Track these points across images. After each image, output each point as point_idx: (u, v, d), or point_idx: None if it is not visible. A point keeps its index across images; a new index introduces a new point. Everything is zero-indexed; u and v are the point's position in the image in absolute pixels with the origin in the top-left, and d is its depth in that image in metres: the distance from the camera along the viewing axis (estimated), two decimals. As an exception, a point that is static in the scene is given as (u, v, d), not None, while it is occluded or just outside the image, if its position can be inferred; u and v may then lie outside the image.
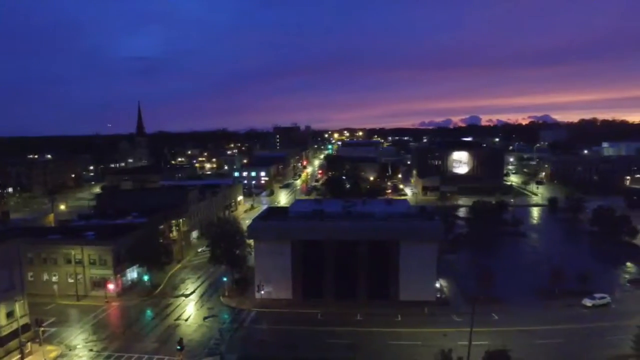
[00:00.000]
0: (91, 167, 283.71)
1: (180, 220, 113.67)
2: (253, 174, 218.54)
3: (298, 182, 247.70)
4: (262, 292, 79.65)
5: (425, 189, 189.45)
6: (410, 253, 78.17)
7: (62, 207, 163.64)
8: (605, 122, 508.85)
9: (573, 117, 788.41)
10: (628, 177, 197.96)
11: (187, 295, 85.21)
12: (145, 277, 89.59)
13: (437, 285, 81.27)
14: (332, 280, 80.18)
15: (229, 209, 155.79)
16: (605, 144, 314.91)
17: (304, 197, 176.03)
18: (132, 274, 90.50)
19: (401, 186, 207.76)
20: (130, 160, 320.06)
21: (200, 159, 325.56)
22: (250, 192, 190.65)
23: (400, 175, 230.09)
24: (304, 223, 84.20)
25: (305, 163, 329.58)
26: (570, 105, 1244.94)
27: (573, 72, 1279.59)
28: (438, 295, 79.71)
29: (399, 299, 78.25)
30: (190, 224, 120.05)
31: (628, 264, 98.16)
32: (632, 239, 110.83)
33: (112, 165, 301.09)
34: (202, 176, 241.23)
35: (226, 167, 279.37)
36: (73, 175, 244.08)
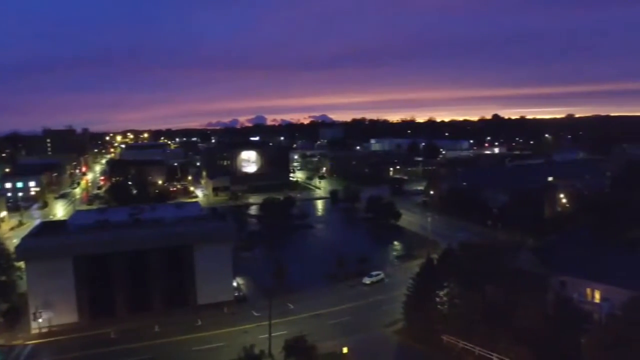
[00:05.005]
0: None
1: None
2: (19, 184, 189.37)
3: (77, 190, 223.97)
4: (41, 320, 69.90)
5: (215, 190, 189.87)
6: (205, 256, 77.72)
7: None
8: (372, 122, 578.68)
9: (347, 116, 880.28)
10: (391, 169, 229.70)
11: None
12: None
13: (235, 284, 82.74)
14: (124, 295, 75.01)
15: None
16: (372, 141, 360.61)
17: (85, 207, 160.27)
18: None
19: (192, 188, 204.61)
20: None
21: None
22: (17, 206, 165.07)
23: (190, 177, 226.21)
24: (87, 236, 76.69)
25: (84, 169, 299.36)
26: (344, 106, 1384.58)
27: (346, 77, 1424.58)
28: (236, 294, 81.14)
29: (197, 304, 77.21)
30: None
31: (395, 242, 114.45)
32: (396, 222, 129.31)
33: None
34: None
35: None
36: None
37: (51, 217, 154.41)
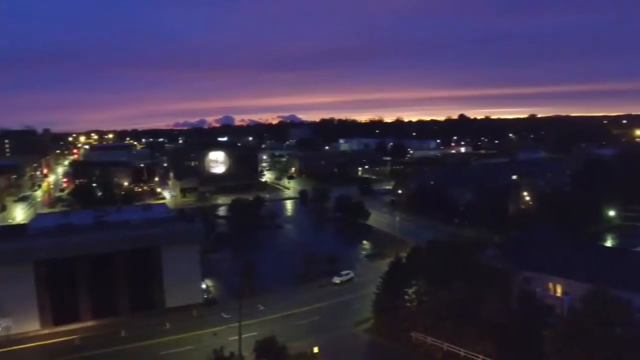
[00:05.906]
0: None
1: None
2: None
3: (38, 193, 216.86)
4: (-1, 327, 67.50)
5: (183, 191, 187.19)
6: (173, 258, 76.54)
7: None
8: (341, 122, 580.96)
9: (315, 117, 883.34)
10: (360, 169, 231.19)
11: None
12: None
13: (204, 286, 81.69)
14: (89, 300, 73.06)
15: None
16: (341, 140, 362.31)
17: (47, 210, 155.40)
18: None
19: (159, 190, 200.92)
20: None
21: None
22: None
23: (157, 179, 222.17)
24: (49, 240, 74.22)
25: (46, 171, 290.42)
26: (313, 106, 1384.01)
27: (314, 77, 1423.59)
28: (205, 296, 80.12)
29: (165, 307, 75.91)
30: None
31: (364, 242, 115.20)
32: (365, 221, 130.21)
33: None
34: None
35: None
36: None
37: (10, 221, 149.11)
